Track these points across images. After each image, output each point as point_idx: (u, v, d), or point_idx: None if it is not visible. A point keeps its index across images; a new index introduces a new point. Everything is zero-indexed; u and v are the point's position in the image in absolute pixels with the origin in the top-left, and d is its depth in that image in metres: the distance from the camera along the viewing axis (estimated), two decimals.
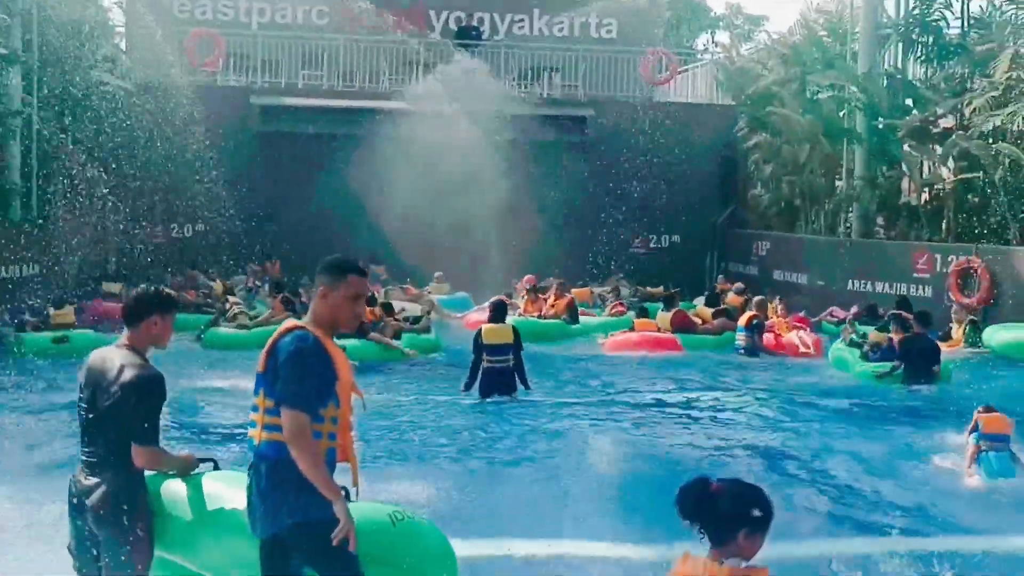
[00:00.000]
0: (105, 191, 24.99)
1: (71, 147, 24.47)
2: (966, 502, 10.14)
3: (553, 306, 20.67)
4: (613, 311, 23.00)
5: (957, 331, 19.92)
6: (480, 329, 14.35)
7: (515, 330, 14.50)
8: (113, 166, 25.79)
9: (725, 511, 4.22)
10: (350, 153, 26.87)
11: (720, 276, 28.52)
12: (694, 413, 14.16)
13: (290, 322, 5.51)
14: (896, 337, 16.63)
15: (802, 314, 21.94)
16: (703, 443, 12.32)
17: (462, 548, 6.26)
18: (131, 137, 26.05)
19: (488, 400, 13.94)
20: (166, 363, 6.12)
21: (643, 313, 20.58)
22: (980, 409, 11.16)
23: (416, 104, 27.80)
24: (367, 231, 25.99)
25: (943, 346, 17.80)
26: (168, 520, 5.76)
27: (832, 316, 22.47)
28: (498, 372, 14.08)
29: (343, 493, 5.23)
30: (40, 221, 23.56)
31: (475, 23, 31.51)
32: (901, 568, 8.20)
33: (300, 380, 5.20)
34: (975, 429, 10.97)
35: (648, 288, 26.28)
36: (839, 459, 11.54)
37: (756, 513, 4.22)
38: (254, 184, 27.35)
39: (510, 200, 26.45)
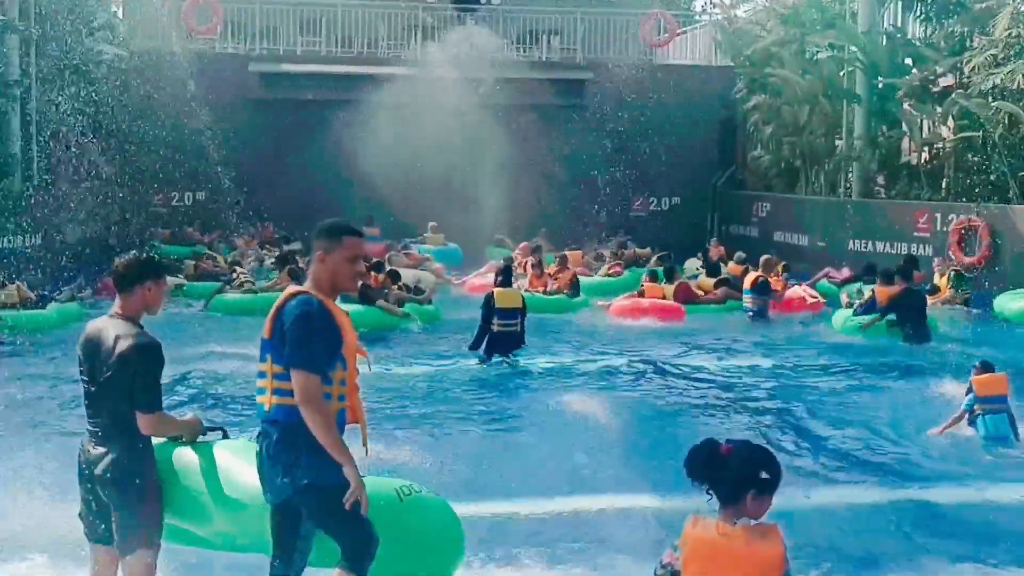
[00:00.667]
0: (104, 160, 25.03)
1: (70, 116, 24.42)
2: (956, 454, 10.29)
3: (557, 279, 20.62)
4: (610, 271, 22.93)
5: (941, 280, 19.78)
6: (492, 293, 14.43)
7: (523, 295, 14.77)
8: (112, 135, 25.78)
9: (734, 473, 4.26)
10: (349, 118, 26.84)
11: (713, 239, 28.49)
12: (699, 375, 14.22)
13: (293, 287, 5.55)
14: (881, 291, 16.71)
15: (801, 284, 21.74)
16: (705, 403, 12.40)
17: (469, 510, 6.34)
18: (130, 105, 26.01)
19: (493, 360, 14.06)
20: (174, 331, 6.16)
21: (653, 277, 20.31)
22: (976, 367, 11.05)
23: (415, 69, 27.79)
24: (366, 194, 26.04)
25: (930, 299, 18.02)
26: (178, 488, 5.79)
27: (829, 277, 22.26)
28: (507, 335, 14.23)
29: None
30: (41, 191, 23.55)
31: None
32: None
33: (308, 343, 5.24)
34: (971, 390, 10.88)
35: (636, 249, 26.19)
36: (836, 415, 11.67)
37: (764, 475, 4.27)
38: (254, 150, 27.34)
39: (509, 163, 26.55)
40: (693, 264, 23.69)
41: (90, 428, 5.75)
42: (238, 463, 5.72)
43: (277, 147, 27.54)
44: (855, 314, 17.37)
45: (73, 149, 24.10)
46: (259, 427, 5.42)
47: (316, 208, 26.66)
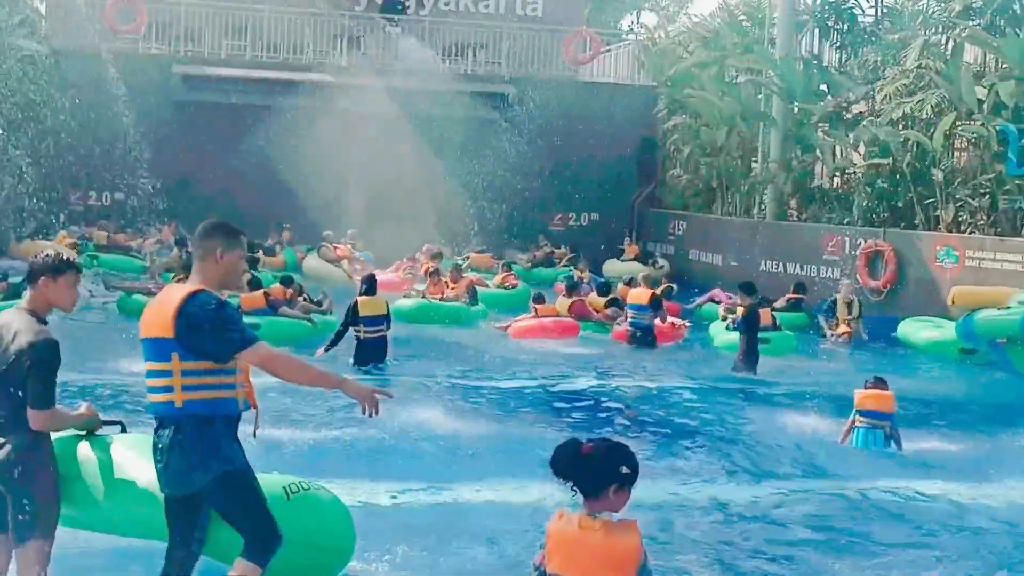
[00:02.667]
0: (21, 156, 24.81)
1: None
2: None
3: (453, 288, 20.70)
4: (504, 282, 22.95)
5: (842, 312, 19.55)
6: (356, 301, 14.65)
7: (387, 303, 15.09)
8: (30, 133, 25.54)
9: (596, 469, 4.52)
10: (273, 123, 26.90)
11: (627, 238, 28.96)
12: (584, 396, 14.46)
13: (185, 287, 5.60)
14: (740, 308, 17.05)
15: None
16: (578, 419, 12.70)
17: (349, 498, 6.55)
18: (49, 102, 25.79)
19: (363, 369, 14.22)
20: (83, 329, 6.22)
21: (540, 299, 20.33)
22: (868, 382, 11.44)
23: (339, 76, 27.91)
24: (288, 199, 26.13)
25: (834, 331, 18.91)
26: (77, 480, 5.91)
27: (713, 300, 22.11)
28: (373, 343, 14.53)
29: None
30: None
31: None
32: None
33: (234, 328, 5.44)
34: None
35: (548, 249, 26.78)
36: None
37: (624, 470, 4.53)
38: (175, 153, 27.19)
39: (429, 173, 26.80)
40: (614, 266, 23.96)
41: None
42: (136, 455, 5.86)
43: (200, 150, 27.41)
44: (728, 329, 17.82)
45: None
46: (158, 423, 5.51)
47: (237, 212, 26.87)
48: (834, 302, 19.75)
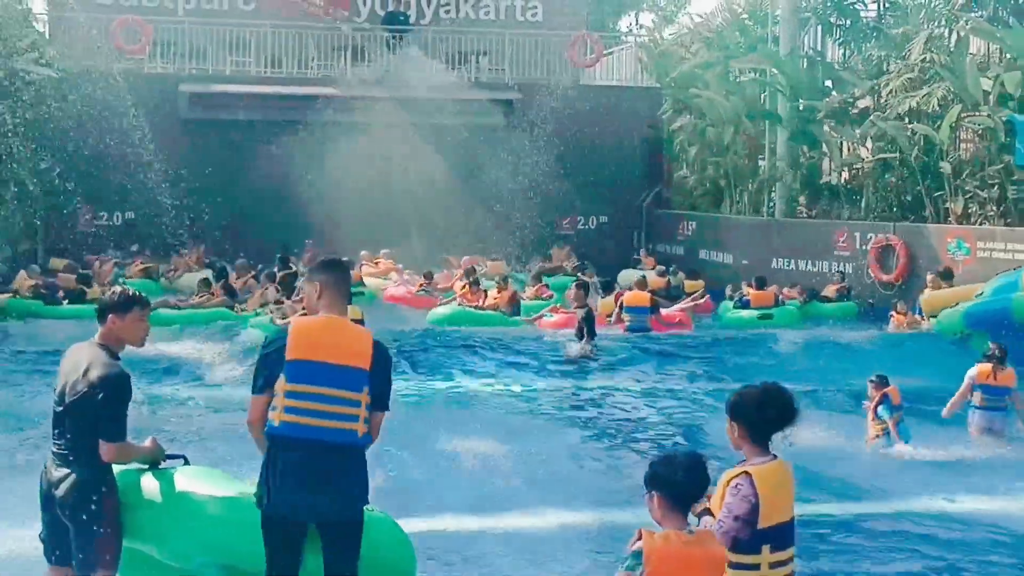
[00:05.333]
0: (31, 179, 24.92)
1: None
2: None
3: (497, 299, 20.93)
4: (538, 294, 23.04)
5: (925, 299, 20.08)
6: None
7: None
8: (40, 156, 25.66)
9: (705, 481, 4.70)
10: (280, 138, 27.05)
11: (642, 250, 29.05)
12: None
13: (351, 323, 6.01)
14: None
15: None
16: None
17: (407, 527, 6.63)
18: (57, 125, 25.89)
19: None
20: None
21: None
22: (875, 381, 11.57)
23: (345, 89, 28.03)
24: (297, 214, 26.23)
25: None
26: (140, 512, 5.98)
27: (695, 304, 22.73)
28: None
29: None
30: None
31: (402, 8, 31.62)
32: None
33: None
34: (882, 402, 11.39)
35: (549, 264, 26.84)
36: None
37: (710, 488, 4.71)
38: (183, 171, 27.26)
39: (438, 182, 26.92)
40: (630, 275, 24.00)
41: (54, 450, 5.94)
42: (201, 487, 5.94)
43: (208, 167, 27.49)
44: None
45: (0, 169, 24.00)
46: (322, 448, 5.62)
47: (247, 228, 27.09)
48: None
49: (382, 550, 5.87)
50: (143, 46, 28.60)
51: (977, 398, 11.72)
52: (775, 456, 5.13)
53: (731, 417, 5.18)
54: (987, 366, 11.69)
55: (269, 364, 5.70)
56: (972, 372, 11.76)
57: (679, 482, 4.58)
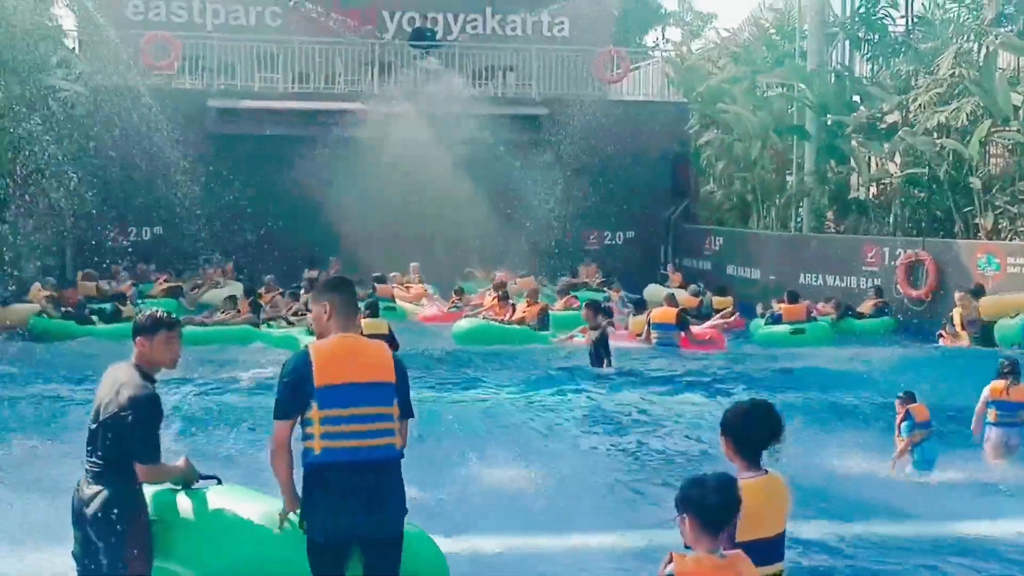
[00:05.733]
0: (61, 195, 25.08)
1: (28, 152, 24.50)
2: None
3: (525, 312, 20.89)
4: (568, 306, 23.13)
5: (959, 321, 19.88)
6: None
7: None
8: (70, 172, 25.81)
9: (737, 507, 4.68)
10: (307, 154, 27.13)
11: (669, 265, 28.96)
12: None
13: (368, 339, 6.11)
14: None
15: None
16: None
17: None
18: (88, 141, 26.05)
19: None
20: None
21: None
22: (902, 397, 11.52)
23: (372, 105, 28.13)
24: (325, 229, 26.36)
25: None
26: (173, 532, 6.01)
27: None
28: None
29: None
30: None
31: (428, 24, 31.70)
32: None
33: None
34: (905, 419, 11.34)
35: (575, 279, 26.81)
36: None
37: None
38: (211, 186, 27.38)
39: (465, 197, 26.96)
40: (658, 291, 23.96)
41: (87, 467, 5.97)
42: (234, 506, 5.96)
43: (236, 182, 27.60)
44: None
45: (30, 185, 24.16)
46: (365, 467, 5.64)
47: (275, 242, 27.19)
48: (951, 318, 20.12)
49: (418, 564, 5.87)
50: (172, 62, 28.78)
51: (992, 414, 11.69)
52: (766, 471, 5.16)
53: (722, 432, 5.24)
54: (1001, 382, 11.65)
55: (292, 391, 5.68)
56: (986, 389, 11.73)
57: (710, 505, 4.55)
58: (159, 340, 6.05)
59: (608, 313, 20.31)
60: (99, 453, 5.90)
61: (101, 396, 5.96)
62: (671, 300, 20.23)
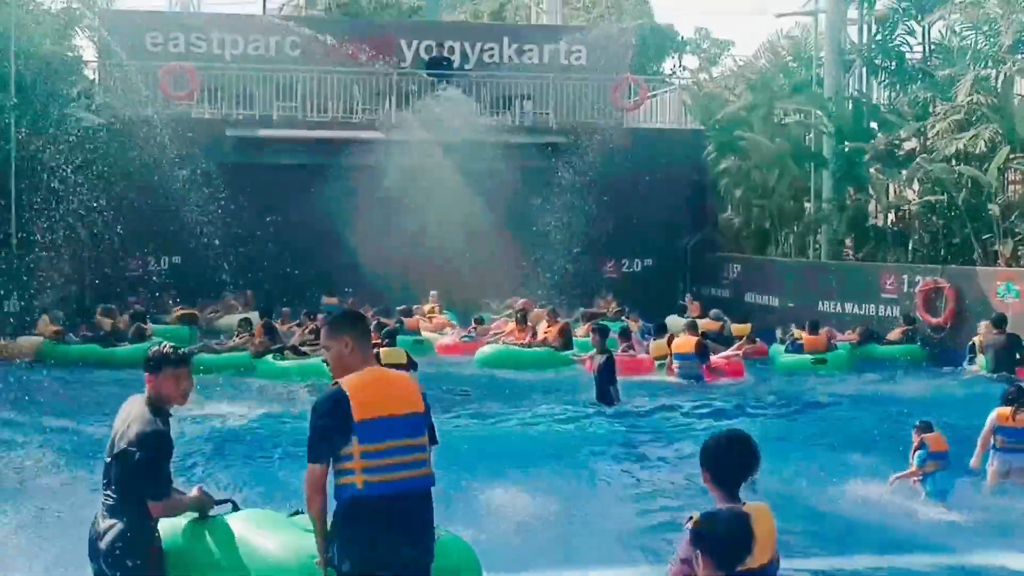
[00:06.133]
0: (81, 225, 25.23)
1: (49, 183, 24.70)
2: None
3: (546, 332, 20.94)
4: (587, 331, 23.12)
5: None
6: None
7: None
8: (90, 202, 25.96)
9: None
10: (325, 183, 27.25)
11: (688, 295, 28.87)
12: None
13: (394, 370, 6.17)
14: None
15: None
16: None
17: None
18: (107, 172, 26.19)
19: None
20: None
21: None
22: (919, 427, 11.47)
23: (390, 133, 28.24)
24: (343, 259, 26.43)
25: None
26: (190, 560, 6.01)
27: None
28: None
29: None
30: (20, 256, 23.76)
31: (445, 52, 31.82)
32: None
33: None
34: (920, 447, 11.28)
35: (592, 309, 26.77)
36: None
37: None
38: (230, 216, 27.44)
39: (483, 227, 27.00)
40: (677, 322, 23.89)
41: (103, 500, 5.99)
42: (252, 533, 5.96)
43: (254, 211, 27.72)
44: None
45: (51, 216, 24.32)
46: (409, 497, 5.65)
47: (293, 270, 27.25)
48: (973, 345, 20.22)
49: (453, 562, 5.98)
50: (191, 92, 28.93)
51: (998, 441, 11.61)
52: (743, 503, 5.11)
53: (701, 464, 5.22)
54: (1007, 409, 11.58)
55: (330, 431, 5.61)
56: (992, 416, 11.67)
57: (723, 541, 4.53)
58: (166, 377, 6.05)
59: (626, 335, 20.49)
60: (113, 487, 5.92)
61: (115, 430, 6.00)
62: (692, 328, 20.10)
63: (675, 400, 17.17)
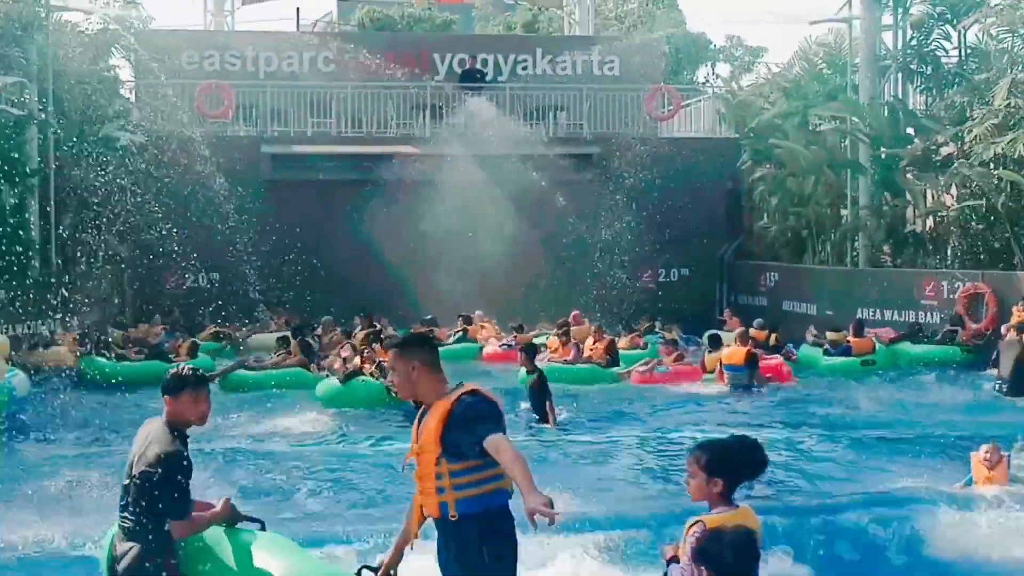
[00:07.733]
0: (120, 244, 25.42)
1: (88, 202, 24.91)
2: None
3: (591, 350, 20.89)
4: (632, 344, 23.10)
5: None
6: None
7: None
8: (128, 220, 26.18)
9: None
10: (360, 197, 27.35)
11: (727, 310, 28.64)
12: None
13: (466, 385, 5.80)
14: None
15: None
16: None
17: None
18: (145, 190, 26.39)
19: None
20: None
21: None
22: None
23: (424, 147, 28.31)
24: (380, 273, 26.48)
25: None
26: (205, 571, 6.00)
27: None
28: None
29: None
30: (59, 277, 23.95)
31: (478, 65, 31.87)
32: None
33: None
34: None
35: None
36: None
37: None
38: (267, 232, 27.62)
39: (519, 239, 26.99)
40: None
41: (120, 523, 5.98)
42: (273, 556, 5.91)
43: (291, 227, 27.84)
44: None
45: (90, 234, 24.53)
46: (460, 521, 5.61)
47: (330, 286, 27.33)
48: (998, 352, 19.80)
49: None
50: (226, 110, 29.11)
51: None
52: (737, 506, 5.14)
53: (712, 473, 5.20)
54: None
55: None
56: None
57: (727, 561, 4.52)
58: (185, 399, 6.03)
59: (673, 344, 21.08)
60: (131, 509, 5.91)
61: (133, 452, 5.99)
62: (743, 338, 19.92)
63: (725, 411, 17.13)
